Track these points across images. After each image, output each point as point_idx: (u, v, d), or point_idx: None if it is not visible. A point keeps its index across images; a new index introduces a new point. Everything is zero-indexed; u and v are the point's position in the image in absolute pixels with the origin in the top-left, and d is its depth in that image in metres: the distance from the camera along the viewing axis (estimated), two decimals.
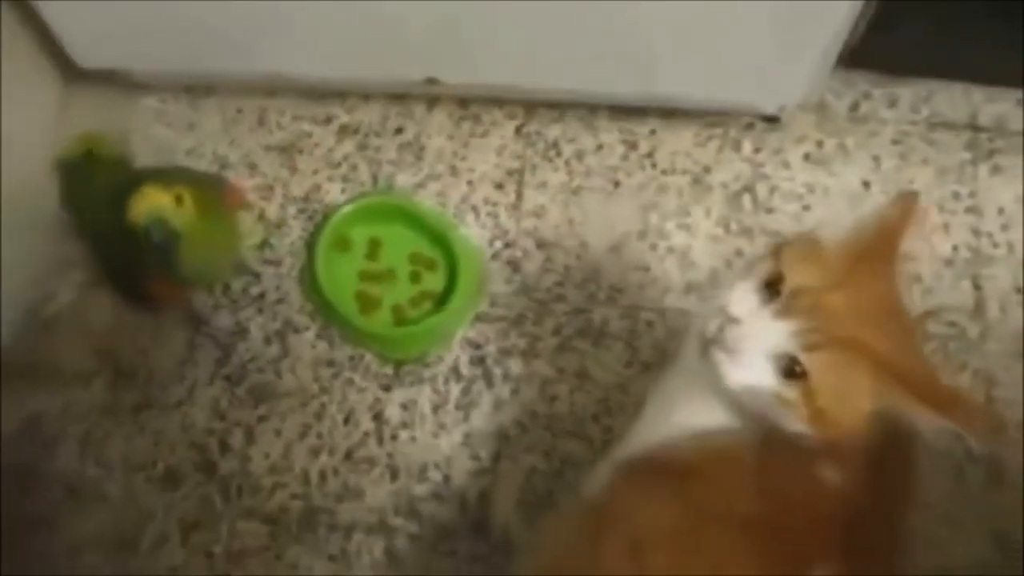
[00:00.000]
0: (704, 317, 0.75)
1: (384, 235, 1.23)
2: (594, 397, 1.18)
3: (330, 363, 1.19)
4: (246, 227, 1.23)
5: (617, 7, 1.06)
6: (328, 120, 1.30)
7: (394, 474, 1.15)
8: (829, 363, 0.69)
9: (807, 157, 1.30)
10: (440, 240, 1.22)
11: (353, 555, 1.12)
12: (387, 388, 1.18)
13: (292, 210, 1.26)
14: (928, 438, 1.18)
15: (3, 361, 1.17)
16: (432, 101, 1.31)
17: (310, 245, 1.22)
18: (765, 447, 0.75)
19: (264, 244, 1.24)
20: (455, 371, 1.19)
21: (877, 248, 0.74)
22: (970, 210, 1.29)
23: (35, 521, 1.13)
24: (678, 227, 1.26)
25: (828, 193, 1.28)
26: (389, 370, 1.19)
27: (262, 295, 1.22)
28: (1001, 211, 1.30)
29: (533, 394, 1.18)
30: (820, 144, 1.31)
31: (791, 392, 0.70)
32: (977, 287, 1.26)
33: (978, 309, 1.25)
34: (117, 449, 1.16)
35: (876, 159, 1.30)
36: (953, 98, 1.35)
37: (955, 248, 1.27)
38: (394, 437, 1.16)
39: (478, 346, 1.20)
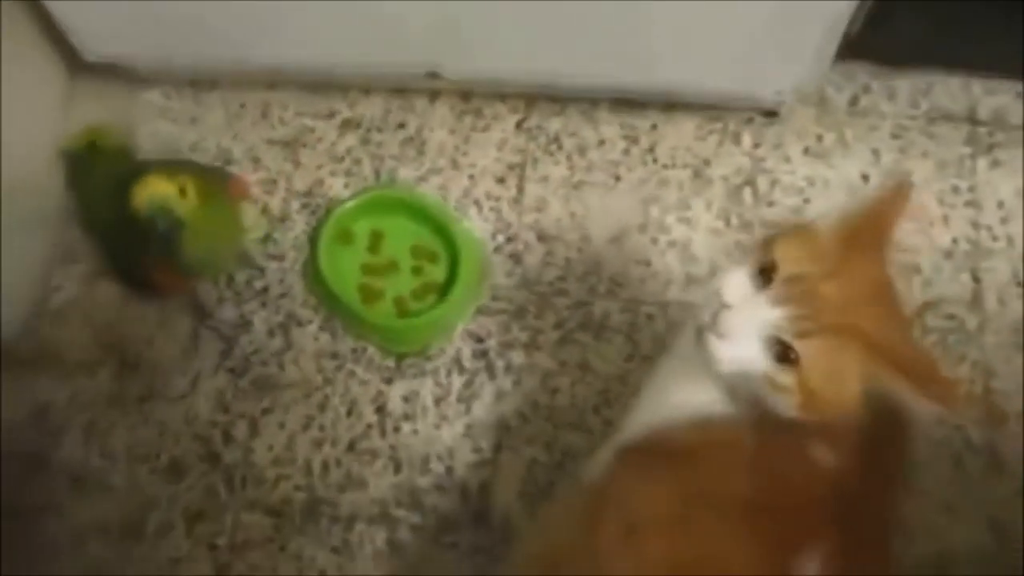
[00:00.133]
0: (701, 304, 0.75)
1: (386, 228, 1.22)
2: (595, 389, 1.17)
3: (333, 355, 1.18)
4: (250, 220, 1.23)
5: None
6: (331, 115, 1.29)
7: (396, 465, 1.14)
8: (821, 349, 0.69)
9: (807, 151, 1.29)
10: (442, 232, 1.21)
11: (356, 546, 1.11)
12: (389, 380, 1.17)
13: (295, 204, 1.25)
14: (926, 427, 1.19)
15: (10, 352, 1.16)
16: (434, 95, 1.30)
17: (313, 238, 1.21)
18: (759, 429, 0.75)
19: (268, 238, 1.24)
20: (457, 363, 1.18)
21: (869, 233, 0.74)
22: (970, 203, 1.28)
23: (40, 509, 1.12)
24: (679, 220, 1.25)
25: (828, 186, 1.27)
26: (391, 363, 1.18)
27: (266, 288, 1.21)
28: (1000, 204, 1.29)
29: (534, 386, 1.18)
30: (820, 138, 1.30)
31: (783, 377, 0.70)
32: (976, 279, 1.25)
33: (977, 301, 1.24)
34: (122, 439, 1.15)
35: (876, 152, 1.29)
36: (952, 91, 1.34)
37: (954, 241, 1.26)
38: (396, 429, 1.16)
39: (480, 339, 1.19)
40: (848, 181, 1.28)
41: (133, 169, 1.14)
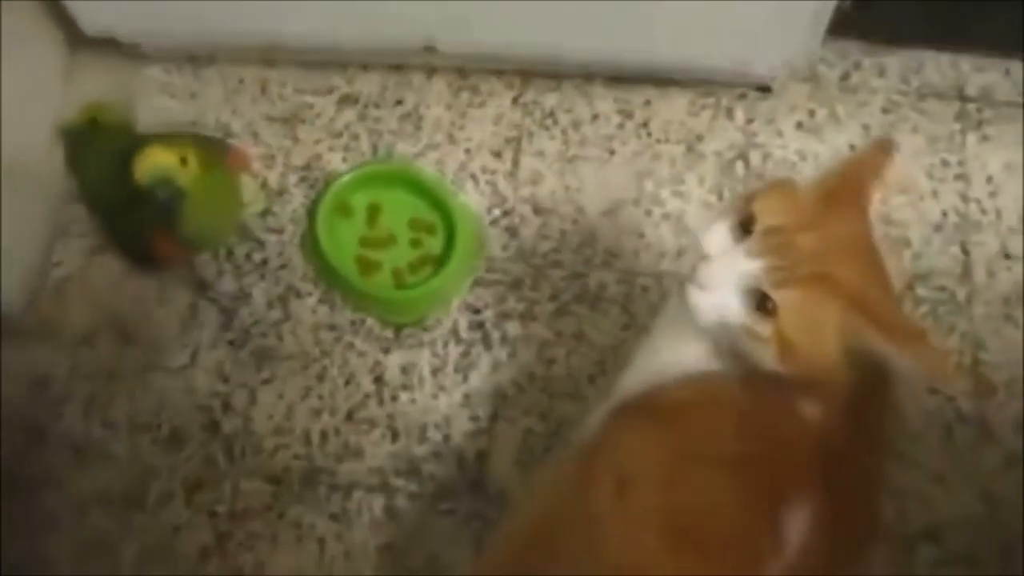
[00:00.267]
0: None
1: (384, 201, 1.22)
2: (591, 360, 1.17)
3: (331, 327, 1.18)
4: (249, 193, 1.22)
5: None
6: (329, 91, 1.29)
7: (394, 434, 1.14)
8: (798, 299, 0.70)
9: (799, 125, 1.29)
10: (439, 205, 1.21)
11: (354, 513, 1.11)
12: (387, 351, 1.17)
13: (294, 178, 1.25)
14: (917, 398, 1.19)
15: (11, 325, 1.16)
16: (431, 71, 1.30)
17: (311, 212, 1.21)
18: (749, 386, 0.75)
19: (266, 212, 1.23)
20: (454, 334, 1.18)
21: (849, 190, 0.75)
22: (959, 177, 1.29)
23: (41, 480, 1.12)
24: (672, 194, 1.25)
25: (820, 160, 1.27)
26: (389, 333, 1.18)
27: (265, 261, 1.21)
28: (989, 179, 1.29)
29: (530, 356, 1.17)
30: (812, 113, 1.30)
31: (761, 327, 0.71)
32: (965, 252, 1.25)
33: (966, 273, 1.24)
34: (122, 410, 1.15)
35: (866, 127, 1.30)
36: (942, 68, 1.34)
37: (944, 214, 1.26)
38: (394, 398, 1.15)
39: (477, 310, 1.19)
40: (839, 155, 1.27)
41: (134, 142, 1.14)
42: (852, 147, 1.28)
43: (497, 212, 1.24)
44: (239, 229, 1.22)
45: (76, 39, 1.23)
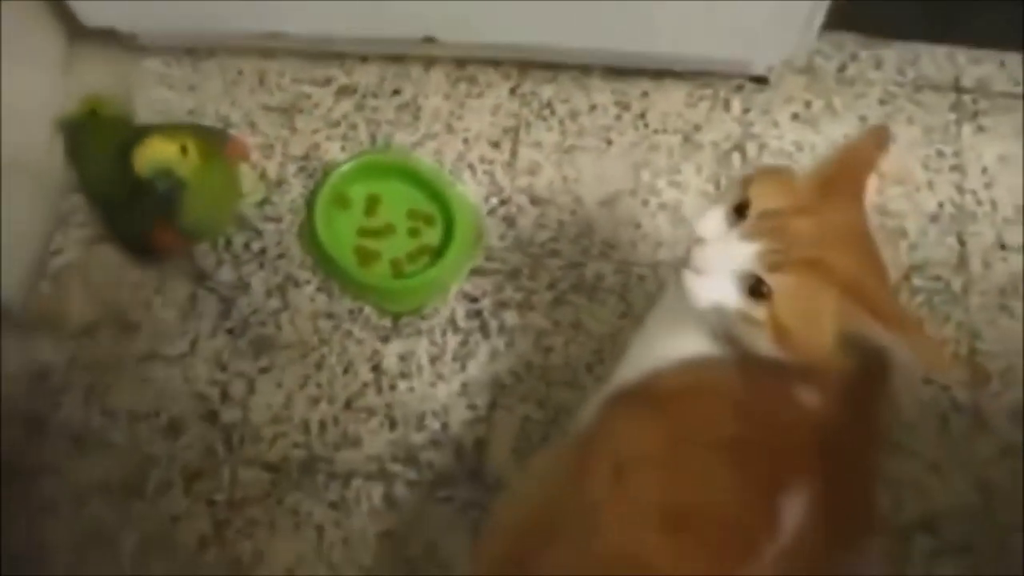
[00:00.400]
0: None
1: (382, 192, 1.21)
2: (588, 348, 1.16)
3: (330, 316, 1.17)
4: (248, 184, 1.22)
5: None
6: (327, 81, 1.28)
7: (392, 423, 1.13)
8: (792, 283, 0.69)
9: (795, 117, 1.29)
10: (437, 196, 1.20)
11: (352, 501, 1.10)
12: (386, 340, 1.16)
13: (292, 168, 1.24)
14: (913, 387, 1.19)
15: (10, 315, 1.15)
16: (429, 62, 1.29)
17: (309, 202, 1.20)
18: (746, 372, 0.75)
19: (265, 202, 1.23)
20: (452, 323, 1.17)
21: (845, 177, 0.74)
22: (954, 168, 1.28)
23: (41, 470, 1.11)
24: (669, 184, 1.24)
25: (816, 151, 1.26)
26: (387, 322, 1.17)
27: (263, 251, 1.20)
28: (984, 170, 1.28)
29: (528, 345, 1.17)
30: (808, 104, 1.30)
31: (756, 311, 0.70)
32: (961, 243, 1.25)
33: (962, 264, 1.24)
34: (121, 399, 1.14)
35: (863, 119, 1.29)
36: (938, 60, 1.34)
37: (940, 205, 1.26)
38: (392, 387, 1.15)
39: (474, 299, 1.18)
40: (836, 146, 1.26)
41: (133, 134, 1.14)
42: (848, 139, 1.27)
43: (495, 202, 1.23)
44: (238, 219, 1.21)
45: (75, 31, 1.22)
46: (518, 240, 1.21)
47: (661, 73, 1.29)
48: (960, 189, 1.27)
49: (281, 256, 1.20)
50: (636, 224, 1.22)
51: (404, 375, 1.15)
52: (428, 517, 1.10)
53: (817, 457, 0.74)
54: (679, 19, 1.13)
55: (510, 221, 1.22)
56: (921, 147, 1.28)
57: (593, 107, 1.28)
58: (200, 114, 1.26)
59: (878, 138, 0.77)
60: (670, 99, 1.29)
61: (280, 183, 1.23)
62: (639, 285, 1.19)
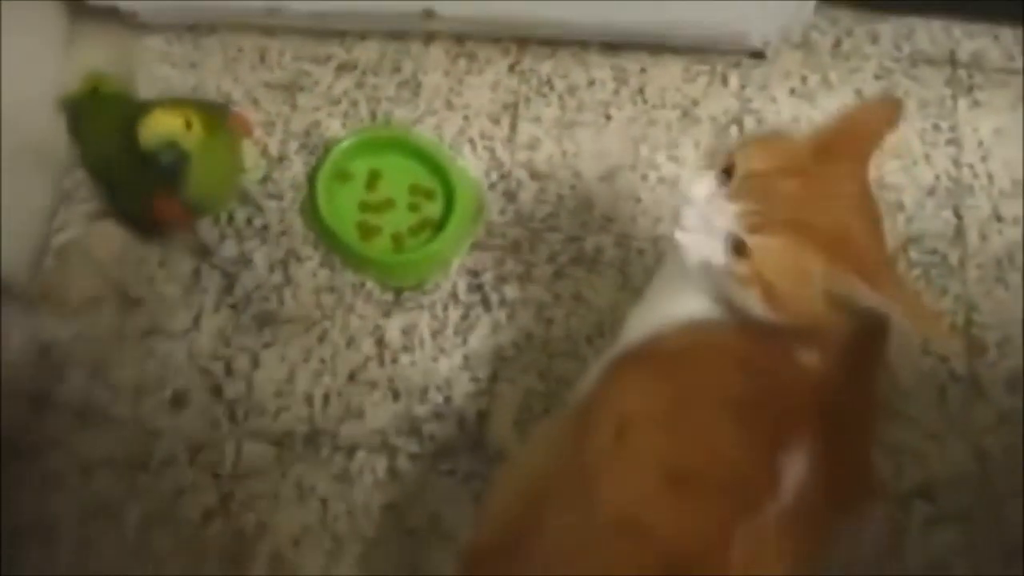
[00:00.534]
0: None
1: (383, 167, 1.21)
2: (588, 321, 1.16)
3: (332, 290, 1.17)
4: (250, 160, 1.21)
5: None
6: (327, 59, 1.27)
7: (395, 396, 1.13)
8: (771, 244, 0.70)
9: (792, 91, 1.28)
10: (438, 170, 1.19)
11: (356, 473, 1.10)
12: (388, 313, 1.16)
13: (294, 145, 1.23)
14: (908, 352, 1.18)
15: (14, 291, 1.14)
16: (428, 39, 1.28)
17: (311, 177, 1.20)
18: (746, 333, 0.75)
19: (266, 178, 1.22)
20: (453, 297, 1.17)
21: (846, 141, 0.74)
22: (950, 142, 1.28)
23: (46, 445, 1.10)
24: (668, 159, 1.24)
25: (813, 125, 1.24)
26: (390, 297, 1.16)
27: (265, 226, 1.20)
28: (980, 143, 1.28)
29: (529, 318, 1.16)
30: (805, 79, 1.29)
31: (739, 269, 0.71)
32: (958, 216, 1.24)
33: (959, 236, 1.23)
34: (125, 374, 1.13)
35: (859, 92, 1.29)
36: (933, 35, 1.33)
37: (936, 178, 1.26)
38: (395, 360, 1.14)
39: (476, 273, 1.18)
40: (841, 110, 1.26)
41: (136, 109, 1.13)
42: (854, 105, 1.27)
43: (495, 177, 1.22)
44: (240, 195, 1.20)
45: (77, 10, 1.22)
46: (518, 214, 1.21)
47: (659, 49, 1.29)
48: (956, 162, 1.26)
49: (283, 232, 1.19)
50: (635, 198, 1.22)
51: (406, 348, 1.15)
52: (431, 489, 1.09)
53: (817, 418, 0.74)
54: None
55: (510, 196, 1.22)
56: (917, 121, 1.28)
57: (592, 82, 1.27)
58: (202, 91, 1.25)
59: (889, 110, 0.77)
60: (668, 74, 1.28)
61: (282, 159, 1.23)
62: (638, 258, 1.19)
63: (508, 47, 1.28)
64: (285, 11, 1.19)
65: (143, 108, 1.13)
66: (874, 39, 1.32)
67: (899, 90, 1.29)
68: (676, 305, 0.79)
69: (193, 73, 1.26)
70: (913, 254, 1.22)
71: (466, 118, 1.25)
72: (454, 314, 1.16)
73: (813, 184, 0.71)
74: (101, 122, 1.17)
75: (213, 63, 1.27)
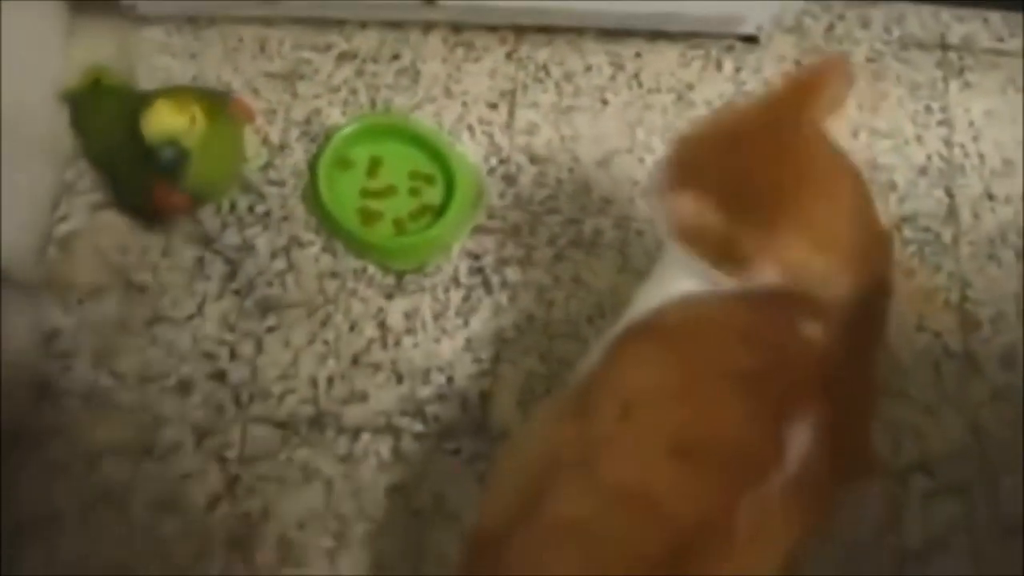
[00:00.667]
0: None
1: (384, 154, 1.20)
2: (588, 302, 1.16)
3: (334, 275, 1.16)
4: (251, 148, 1.20)
5: None
6: (327, 48, 1.27)
7: (399, 378, 1.12)
8: (681, 200, 0.76)
9: (786, 75, 1.28)
10: (438, 156, 1.19)
11: (360, 455, 1.09)
12: (390, 297, 1.15)
13: (295, 133, 1.22)
14: (906, 336, 1.18)
15: (18, 280, 1.13)
16: (427, 28, 1.28)
17: (312, 165, 1.19)
18: (749, 305, 0.75)
19: (268, 166, 1.21)
20: (455, 280, 1.17)
21: (794, 101, 0.76)
22: (942, 123, 1.28)
23: (51, 432, 1.09)
24: (664, 142, 1.23)
25: None
26: (391, 280, 1.16)
27: (267, 213, 1.19)
28: (971, 124, 1.28)
29: (530, 300, 1.16)
30: (798, 63, 1.30)
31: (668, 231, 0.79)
32: (950, 195, 1.25)
33: (951, 215, 1.24)
34: (130, 361, 1.12)
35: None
36: (923, 19, 1.34)
37: (928, 158, 1.26)
38: (398, 343, 1.14)
39: (476, 256, 1.18)
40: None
41: (138, 100, 1.13)
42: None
43: (494, 162, 1.22)
44: (242, 183, 1.19)
45: (77, 3, 1.21)
46: (518, 198, 1.21)
47: (654, 35, 1.29)
48: (948, 143, 1.27)
49: (285, 218, 1.19)
50: (633, 181, 1.22)
51: (409, 331, 1.14)
52: (435, 469, 1.09)
53: (820, 389, 0.74)
54: None
55: (509, 180, 1.21)
56: (909, 103, 1.28)
57: (588, 68, 1.27)
58: (202, 81, 1.24)
59: (834, 67, 0.78)
60: (663, 59, 1.28)
61: (283, 147, 1.22)
62: (637, 240, 1.18)
63: (505, 35, 1.28)
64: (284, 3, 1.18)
65: (145, 99, 1.13)
66: (865, 24, 1.32)
67: (891, 73, 1.29)
68: (677, 277, 0.79)
69: (193, 64, 1.25)
70: (907, 232, 1.22)
71: (465, 105, 1.25)
72: (456, 297, 1.16)
73: (739, 145, 0.75)
74: (102, 114, 1.17)
75: (213, 53, 1.26)
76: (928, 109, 1.28)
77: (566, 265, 1.17)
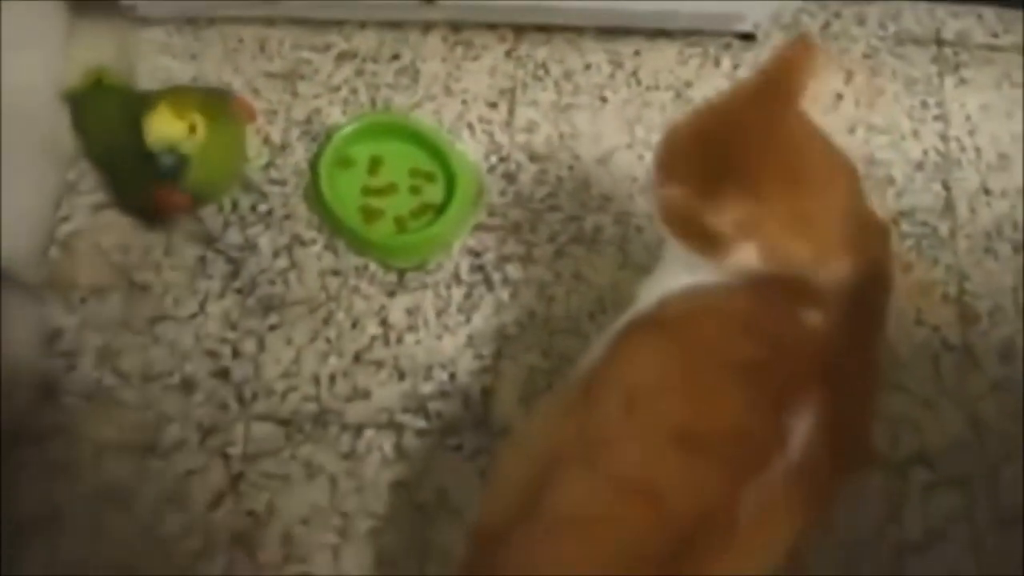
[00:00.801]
0: None
1: (385, 152, 1.20)
2: (589, 298, 1.16)
3: (336, 273, 1.16)
4: (252, 148, 1.20)
5: None
6: (327, 48, 1.27)
7: (401, 375, 1.12)
8: (668, 193, 0.78)
9: None
10: (438, 154, 1.19)
11: (364, 452, 1.09)
12: (392, 294, 1.15)
13: (295, 133, 1.22)
14: (905, 330, 1.18)
15: (21, 281, 1.13)
16: (426, 27, 1.28)
17: (313, 164, 1.19)
18: (751, 295, 0.75)
19: (269, 165, 1.21)
20: (456, 277, 1.16)
21: (772, 89, 0.77)
22: (938, 118, 1.28)
23: (55, 431, 1.09)
24: None
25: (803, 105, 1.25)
26: (393, 278, 1.16)
27: (269, 212, 1.19)
28: (967, 119, 1.28)
29: (531, 297, 1.16)
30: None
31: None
32: (947, 189, 1.24)
33: (948, 209, 1.23)
34: (134, 360, 1.12)
35: (848, 72, 1.29)
36: (918, 15, 1.34)
37: (925, 152, 1.26)
38: (400, 340, 1.13)
39: (478, 253, 1.17)
40: (821, 100, 1.26)
41: (139, 101, 1.13)
42: (836, 94, 1.27)
43: (494, 160, 1.22)
44: (244, 182, 1.19)
45: (77, 4, 1.20)
46: (518, 196, 1.20)
47: (652, 33, 1.28)
48: (944, 137, 1.27)
49: (287, 217, 1.18)
50: (632, 178, 1.21)
51: (411, 328, 1.14)
52: (438, 465, 1.09)
53: (822, 378, 0.74)
54: None
55: (510, 178, 1.21)
56: (905, 98, 1.28)
57: (587, 66, 1.27)
58: (202, 82, 1.24)
59: (803, 47, 0.79)
60: (661, 57, 1.28)
61: (284, 147, 1.22)
62: (637, 236, 1.18)
63: (504, 34, 1.28)
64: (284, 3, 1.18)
65: (145, 99, 1.13)
66: (861, 20, 1.32)
67: (887, 69, 1.29)
68: (679, 271, 0.79)
69: (194, 64, 1.25)
70: (905, 227, 1.22)
71: (464, 103, 1.24)
72: (457, 294, 1.16)
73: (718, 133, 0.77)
74: (103, 114, 1.16)
75: (213, 54, 1.26)
76: (924, 104, 1.28)
77: (567, 261, 1.17)
